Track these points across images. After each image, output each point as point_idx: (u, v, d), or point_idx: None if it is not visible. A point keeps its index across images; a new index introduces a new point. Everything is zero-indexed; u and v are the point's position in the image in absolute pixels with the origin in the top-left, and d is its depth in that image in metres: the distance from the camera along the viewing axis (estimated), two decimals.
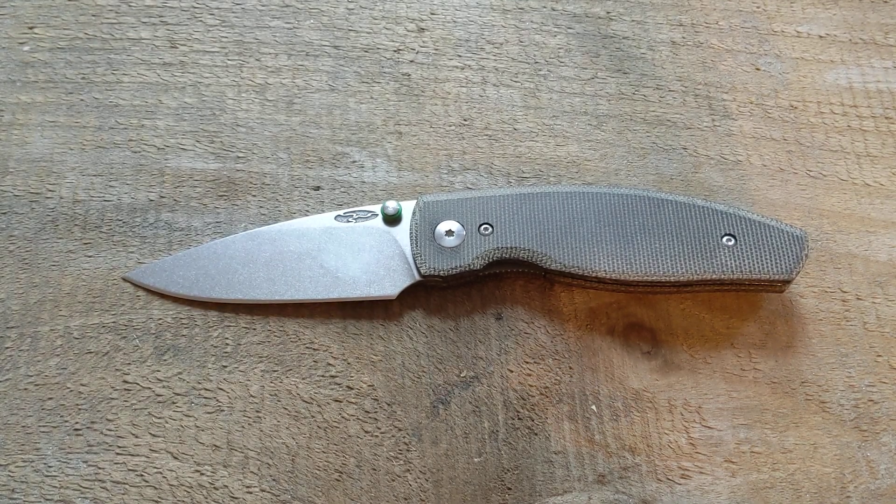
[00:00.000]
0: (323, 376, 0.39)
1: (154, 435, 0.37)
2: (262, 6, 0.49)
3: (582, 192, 0.40)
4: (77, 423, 0.37)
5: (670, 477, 0.37)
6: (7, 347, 0.39)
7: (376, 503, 0.36)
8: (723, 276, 0.38)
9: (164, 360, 0.39)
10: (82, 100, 0.46)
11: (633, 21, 0.50)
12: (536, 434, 0.38)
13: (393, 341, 0.40)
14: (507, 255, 0.39)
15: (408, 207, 0.41)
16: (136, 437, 0.37)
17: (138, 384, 0.38)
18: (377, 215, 0.41)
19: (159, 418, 0.38)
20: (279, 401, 0.38)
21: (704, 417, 0.38)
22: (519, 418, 0.38)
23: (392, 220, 0.40)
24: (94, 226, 0.42)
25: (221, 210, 0.43)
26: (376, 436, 0.38)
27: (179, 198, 0.43)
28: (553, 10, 0.50)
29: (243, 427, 0.38)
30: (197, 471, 0.37)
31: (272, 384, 0.38)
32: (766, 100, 0.47)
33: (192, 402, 0.38)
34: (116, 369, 0.39)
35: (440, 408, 0.38)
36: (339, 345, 0.39)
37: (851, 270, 0.42)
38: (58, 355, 0.39)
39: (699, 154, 0.45)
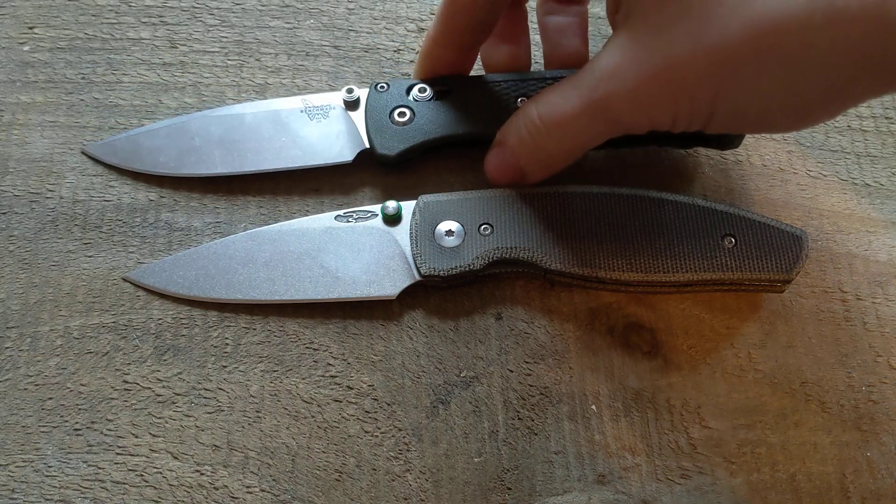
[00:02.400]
0: (323, 376, 0.39)
1: (154, 435, 0.37)
2: (262, 6, 0.49)
3: (582, 192, 0.40)
4: (77, 423, 0.37)
5: (670, 477, 0.37)
6: (7, 347, 0.39)
7: (376, 503, 0.36)
8: (723, 276, 0.38)
9: (164, 360, 0.39)
10: (82, 100, 0.46)
11: None
12: (536, 434, 0.38)
13: (393, 341, 0.40)
14: (507, 255, 0.39)
15: (408, 207, 0.41)
16: (136, 437, 0.37)
17: (138, 384, 0.38)
18: (377, 215, 0.41)
19: (159, 418, 0.38)
20: (279, 401, 0.38)
21: (704, 417, 0.38)
22: (519, 418, 0.38)
23: (392, 220, 0.40)
24: (94, 226, 0.42)
25: (221, 210, 0.43)
26: (376, 436, 0.38)
27: (179, 198, 0.43)
28: None
29: (243, 427, 0.38)
30: (197, 471, 0.37)
31: (272, 384, 0.38)
32: None
33: (192, 402, 0.38)
34: (116, 369, 0.39)
35: (440, 408, 0.38)
36: (339, 345, 0.39)
37: (851, 270, 0.42)
38: (58, 355, 0.39)
39: (699, 154, 0.45)
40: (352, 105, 0.43)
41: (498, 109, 0.42)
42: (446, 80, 0.43)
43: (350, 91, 0.43)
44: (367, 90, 0.44)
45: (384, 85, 0.43)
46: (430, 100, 0.43)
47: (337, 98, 0.44)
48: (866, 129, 0.46)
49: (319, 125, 0.43)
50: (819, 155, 0.45)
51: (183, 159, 0.43)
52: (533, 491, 0.37)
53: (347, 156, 0.43)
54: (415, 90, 0.43)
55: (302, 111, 0.43)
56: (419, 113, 0.43)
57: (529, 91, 0.42)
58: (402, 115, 0.43)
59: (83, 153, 0.44)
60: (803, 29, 0.29)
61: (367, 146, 0.43)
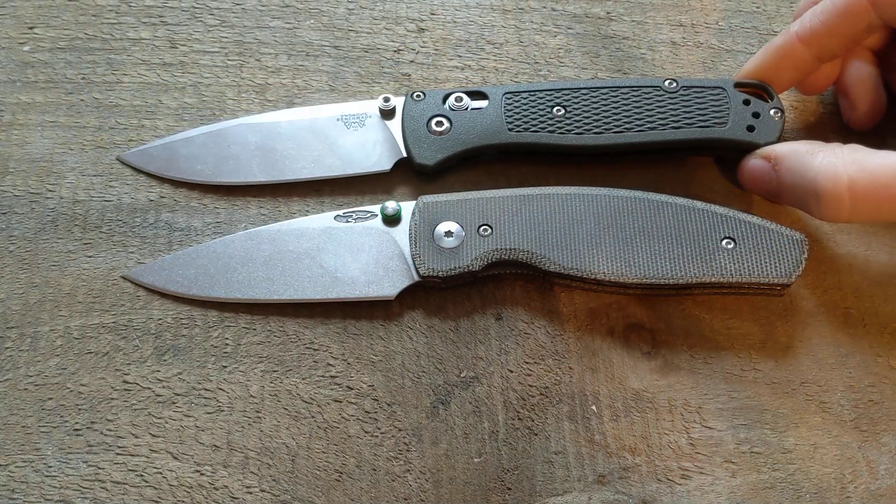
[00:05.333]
0: (323, 376, 0.39)
1: (154, 435, 0.37)
2: (262, 6, 0.49)
3: (581, 193, 0.40)
4: (77, 423, 0.37)
5: (670, 477, 0.37)
6: (7, 347, 0.39)
7: (376, 503, 0.36)
8: (722, 280, 0.38)
9: (164, 360, 0.39)
10: (82, 100, 0.46)
11: (633, 21, 0.50)
12: (536, 434, 0.38)
13: (393, 341, 0.40)
14: (507, 257, 0.39)
15: (407, 208, 0.41)
16: (136, 437, 0.37)
17: (138, 384, 0.38)
18: (377, 216, 0.41)
19: (159, 418, 0.38)
20: (279, 401, 0.38)
21: (704, 418, 0.38)
22: (519, 418, 0.38)
23: (391, 220, 0.40)
24: (94, 226, 0.42)
25: (221, 210, 0.43)
26: (376, 436, 0.38)
27: (179, 198, 0.43)
28: (553, 10, 0.50)
29: (243, 427, 0.38)
30: (197, 471, 0.37)
31: (272, 384, 0.38)
32: None
33: (192, 402, 0.38)
34: (116, 369, 0.39)
35: (440, 408, 0.38)
36: (339, 345, 0.39)
37: (851, 270, 0.42)
38: (58, 355, 0.39)
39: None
40: (388, 114, 0.44)
41: (535, 118, 0.42)
42: (482, 90, 0.43)
43: (387, 100, 0.43)
44: (403, 99, 0.44)
45: (420, 94, 0.43)
46: (467, 109, 0.43)
47: (373, 106, 0.44)
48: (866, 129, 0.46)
49: (356, 134, 0.43)
50: None
51: (220, 167, 0.43)
52: (533, 491, 0.37)
53: (385, 165, 0.43)
54: (451, 99, 0.43)
55: (338, 119, 0.43)
56: (457, 122, 0.43)
57: (566, 101, 0.42)
58: (439, 124, 0.43)
59: (119, 160, 0.43)
60: None
61: (405, 155, 0.43)
